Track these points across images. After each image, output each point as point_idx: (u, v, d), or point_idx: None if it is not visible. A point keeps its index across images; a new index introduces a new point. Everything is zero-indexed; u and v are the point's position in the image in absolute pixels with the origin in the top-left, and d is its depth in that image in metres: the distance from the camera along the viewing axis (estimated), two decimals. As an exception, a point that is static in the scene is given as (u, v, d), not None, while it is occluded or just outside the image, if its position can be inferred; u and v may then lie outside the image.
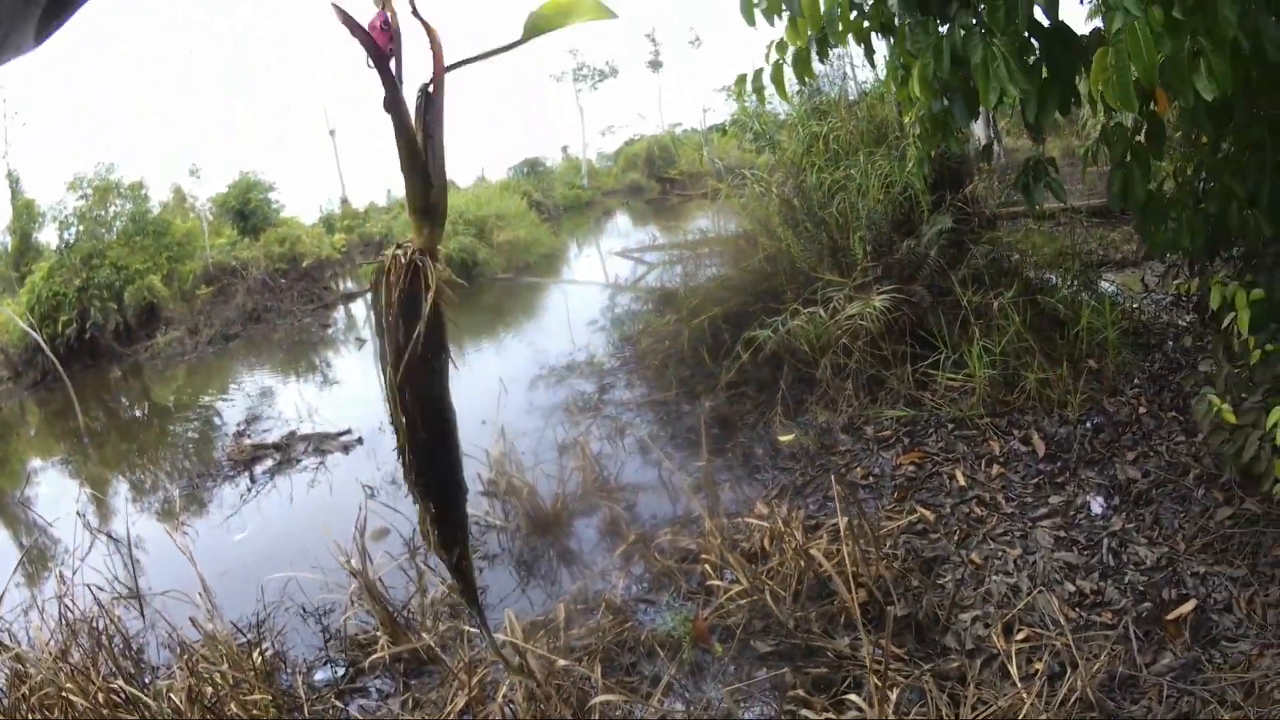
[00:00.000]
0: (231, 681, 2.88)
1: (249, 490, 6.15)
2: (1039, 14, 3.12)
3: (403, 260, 0.80)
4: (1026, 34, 3.14)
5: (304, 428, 7.55)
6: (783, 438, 4.44)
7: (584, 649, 2.98)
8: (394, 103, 0.74)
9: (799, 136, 6.04)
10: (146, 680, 3.13)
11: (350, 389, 8.96)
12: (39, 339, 14.54)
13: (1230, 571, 3.17)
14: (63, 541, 5.02)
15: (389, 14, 0.66)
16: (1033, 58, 3.18)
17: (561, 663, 2.87)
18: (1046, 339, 4.70)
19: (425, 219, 0.80)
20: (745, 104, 6.60)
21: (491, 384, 6.39)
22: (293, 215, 23.96)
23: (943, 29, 3.34)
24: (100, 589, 3.93)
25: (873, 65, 4.17)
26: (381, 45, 0.67)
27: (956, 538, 3.61)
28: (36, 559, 5.64)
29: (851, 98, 6.38)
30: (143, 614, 4.07)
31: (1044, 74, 3.17)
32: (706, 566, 3.44)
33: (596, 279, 9.31)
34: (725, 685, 3.03)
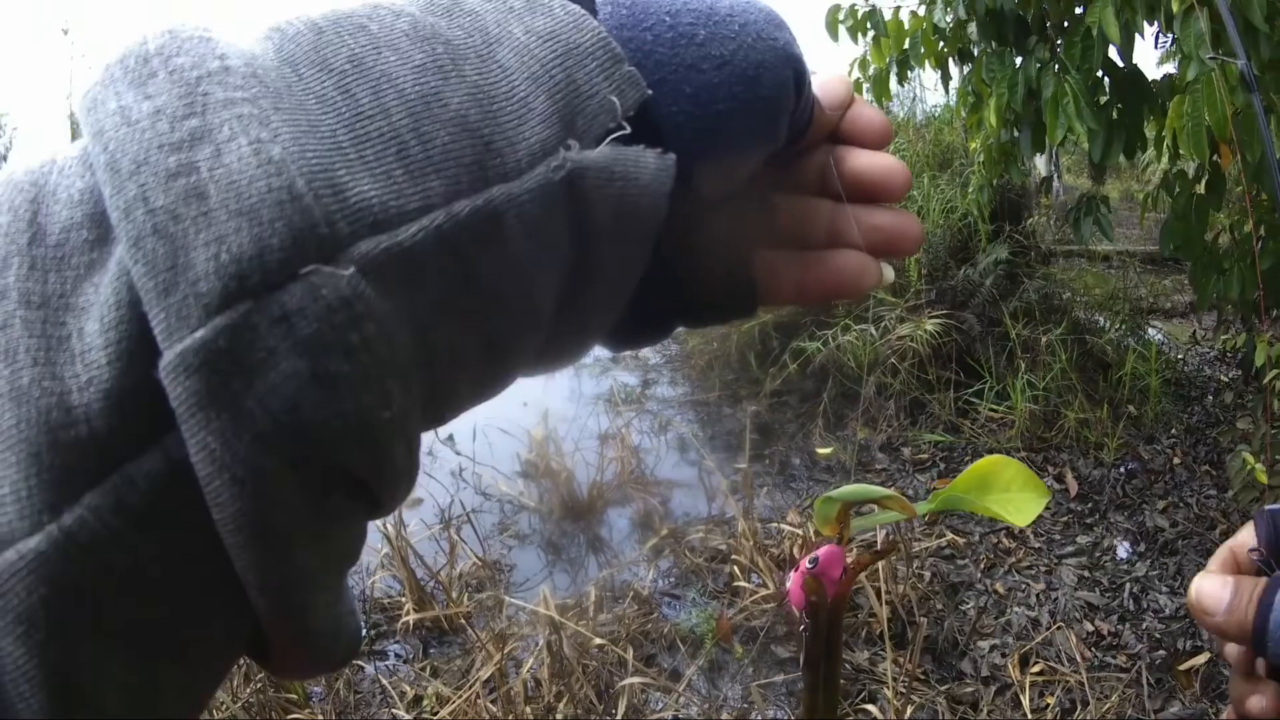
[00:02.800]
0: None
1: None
2: (1114, 55, 3.16)
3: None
4: (1100, 73, 3.18)
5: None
6: (821, 450, 4.46)
7: (610, 635, 3.00)
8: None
9: (864, 154, 6.03)
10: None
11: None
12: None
13: (1247, 629, 3.17)
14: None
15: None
16: (1104, 98, 3.22)
17: (597, 641, 2.90)
18: (1090, 380, 4.70)
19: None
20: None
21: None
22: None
23: (1019, 60, 3.38)
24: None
25: (947, 91, 4.19)
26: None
27: (983, 566, 3.64)
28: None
29: (919, 121, 6.39)
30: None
31: (1114, 115, 3.21)
32: (735, 568, 3.46)
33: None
34: (743, 686, 3.08)
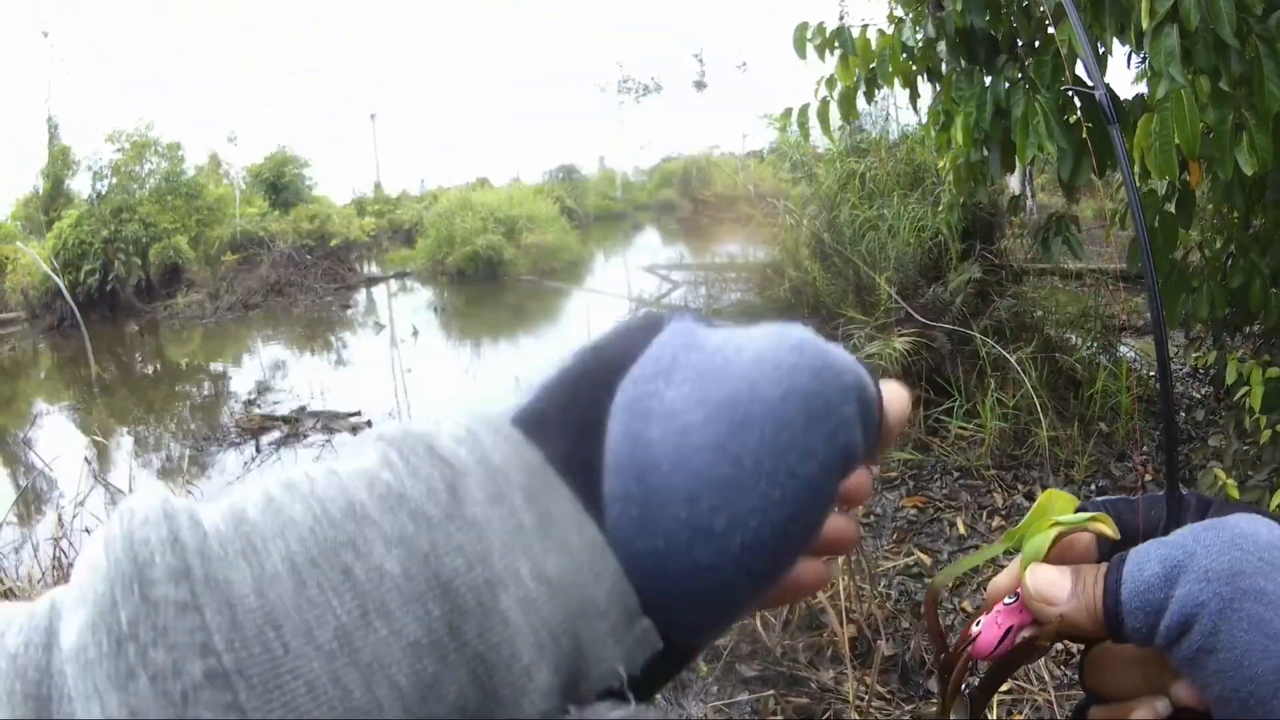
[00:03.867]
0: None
1: (253, 459, 6.16)
2: (1082, 73, 3.14)
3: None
4: (1069, 92, 3.16)
5: (314, 404, 7.56)
6: (790, 469, 4.44)
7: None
8: None
9: (836, 172, 6.06)
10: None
11: (363, 372, 8.95)
12: (60, 284, 14.68)
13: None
14: (60, 486, 5.00)
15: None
16: (1073, 117, 3.20)
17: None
18: (1060, 398, 4.71)
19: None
20: (788, 136, 6.63)
21: (505, 381, 6.39)
22: (325, 194, 24.06)
23: (988, 79, 3.36)
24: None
25: (915, 109, 4.16)
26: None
27: (951, 584, 3.62)
28: (32, 500, 5.66)
29: (892, 139, 6.41)
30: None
31: (1083, 134, 3.19)
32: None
33: (620, 291, 9.29)
34: (707, 704, 3.05)
